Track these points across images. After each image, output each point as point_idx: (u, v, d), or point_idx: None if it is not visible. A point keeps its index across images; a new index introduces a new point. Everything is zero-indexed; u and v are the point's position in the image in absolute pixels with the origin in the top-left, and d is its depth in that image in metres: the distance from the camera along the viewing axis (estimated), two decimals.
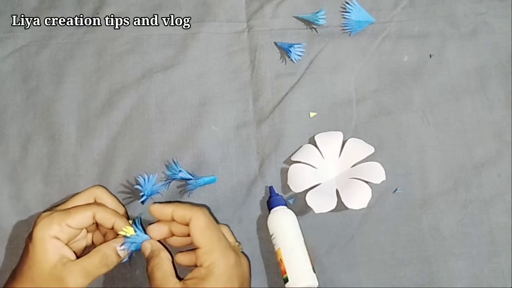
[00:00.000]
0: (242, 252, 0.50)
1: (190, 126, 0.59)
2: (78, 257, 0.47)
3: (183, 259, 0.49)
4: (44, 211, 0.48)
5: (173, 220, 0.48)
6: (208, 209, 0.53)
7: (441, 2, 0.65)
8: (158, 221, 0.50)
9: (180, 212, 0.47)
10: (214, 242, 0.45)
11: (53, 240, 0.46)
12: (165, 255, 0.47)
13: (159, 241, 0.49)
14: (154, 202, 0.50)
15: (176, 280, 0.45)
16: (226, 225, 0.52)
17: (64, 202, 0.51)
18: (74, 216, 0.47)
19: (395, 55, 0.62)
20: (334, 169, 0.56)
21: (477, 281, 0.53)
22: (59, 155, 0.58)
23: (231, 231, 0.51)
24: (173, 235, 0.49)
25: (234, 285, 0.44)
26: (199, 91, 0.61)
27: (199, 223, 0.46)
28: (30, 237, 0.46)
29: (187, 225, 0.47)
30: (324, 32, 0.63)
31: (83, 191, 0.52)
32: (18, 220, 0.55)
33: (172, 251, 0.49)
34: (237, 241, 0.51)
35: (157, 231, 0.49)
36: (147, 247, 0.48)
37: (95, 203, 0.50)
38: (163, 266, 0.46)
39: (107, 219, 0.48)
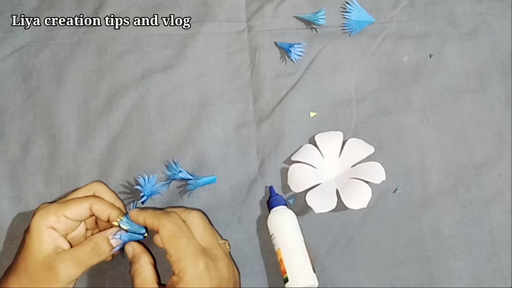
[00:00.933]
0: (229, 253, 0.50)
1: (190, 126, 0.59)
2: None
3: None
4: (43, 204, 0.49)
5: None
6: (202, 211, 0.52)
7: (441, 2, 0.65)
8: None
9: (149, 221, 0.47)
10: (181, 249, 0.44)
11: (49, 230, 0.46)
12: (146, 260, 0.47)
13: (142, 243, 0.49)
14: (136, 207, 0.50)
15: (156, 286, 0.45)
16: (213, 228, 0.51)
17: (65, 196, 0.51)
18: (71, 206, 0.48)
19: (395, 55, 0.62)
20: (334, 169, 0.56)
21: (477, 281, 0.53)
22: (59, 155, 0.58)
23: (216, 231, 0.51)
24: None
25: (207, 284, 0.44)
26: (199, 91, 0.61)
27: (165, 232, 0.45)
28: (27, 228, 0.47)
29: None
30: (324, 32, 0.63)
31: (83, 186, 0.52)
32: (18, 220, 0.55)
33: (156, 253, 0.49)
34: (222, 239, 0.50)
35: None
36: (129, 251, 0.48)
37: (93, 196, 0.51)
38: (143, 272, 0.46)
39: (103, 210, 0.49)
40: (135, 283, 0.46)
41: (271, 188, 0.55)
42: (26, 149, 0.58)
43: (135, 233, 0.49)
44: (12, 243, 0.55)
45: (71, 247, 0.47)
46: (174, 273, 0.45)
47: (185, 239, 0.45)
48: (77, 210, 0.48)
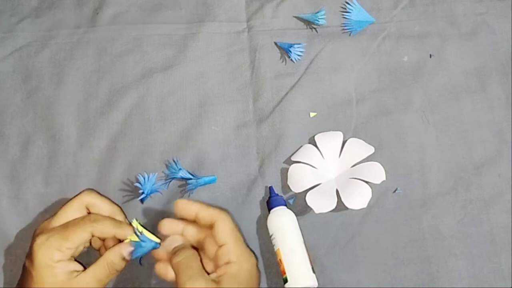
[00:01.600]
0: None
1: (190, 126, 0.59)
2: (81, 263, 0.47)
3: None
4: (40, 226, 0.48)
5: (194, 220, 0.48)
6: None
7: (441, 2, 0.65)
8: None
9: (205, 213, 0.47)
10: (238, 244, 0.46)
11: (59, 264, 0.45)
12: (191, 250, 0.47)
13: None
14: (181, 197, 0.50)
15: (207, 277, 0.45)
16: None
17: (55, 214, 0.48)
18: (73, 239, 0.46)
19: (395, 55, 0.62)
20: (334, 169, 0.56)
21: (477, 281, 0.53)
22: (59, 155, 0.58)
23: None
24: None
25: (254, 284, 0.46)
26: (199, 91, 0.61)
27: (226, 225, 0.46)
28: (31, 261, 0.45)
29: (210, 227, 0.47)
30: (324, 32, 0.63)
31: (72, 199, 0.49)
32: (18, 221, 0.55)
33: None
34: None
35: (170, 228, 0.48)
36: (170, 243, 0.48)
37: (90, 216, 0.48)
38: (190, 262, 0.46)
39: (106, 233, 0.47)
40: (183, 274, 0.44)
41: (271, 188, 0.55)
42: (26, 149, 0.58)
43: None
44: (12, 245, 0.54)
45: (80, 263, 0.47)
46: (228, 262, 0.45)
47: (242, 237, 0.48)
48: (78, 240, 0.46)
